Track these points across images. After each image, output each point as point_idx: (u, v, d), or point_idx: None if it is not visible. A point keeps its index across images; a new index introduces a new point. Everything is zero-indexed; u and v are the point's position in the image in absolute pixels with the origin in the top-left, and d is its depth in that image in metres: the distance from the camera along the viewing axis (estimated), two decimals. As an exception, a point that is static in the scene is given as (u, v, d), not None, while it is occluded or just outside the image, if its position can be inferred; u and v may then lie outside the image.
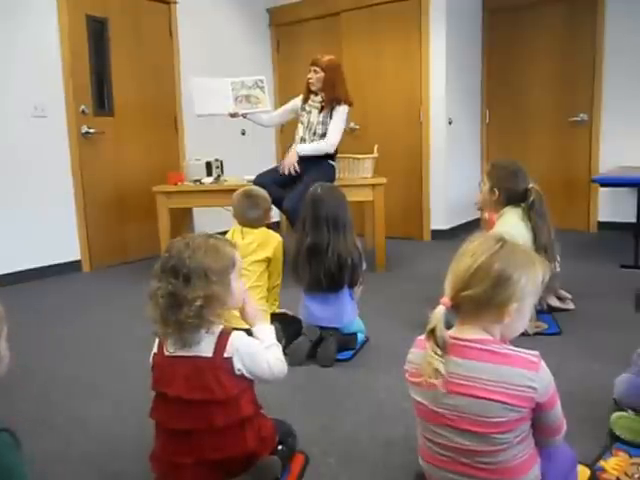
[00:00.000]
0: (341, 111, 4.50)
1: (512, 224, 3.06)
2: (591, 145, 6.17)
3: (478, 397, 1.41)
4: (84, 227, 5.16)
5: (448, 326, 1.51)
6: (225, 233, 2.99)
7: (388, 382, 2.54)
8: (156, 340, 1.73)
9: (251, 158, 6.07)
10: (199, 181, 4.82)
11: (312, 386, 2.61)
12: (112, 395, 2.57)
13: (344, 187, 4.38)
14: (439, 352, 1.45)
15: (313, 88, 4.53)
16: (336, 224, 2.90)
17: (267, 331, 1.83)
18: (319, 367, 2.79)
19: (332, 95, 4.45)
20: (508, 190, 3.19)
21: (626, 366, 2.16)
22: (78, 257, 5.15)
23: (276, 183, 4.43)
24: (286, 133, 6.44)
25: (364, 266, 3.03)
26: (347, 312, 2.98)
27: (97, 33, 5.20)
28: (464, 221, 6.29)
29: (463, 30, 6.25)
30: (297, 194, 4.14)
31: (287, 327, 2.98)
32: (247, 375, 1.67)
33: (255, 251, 3.07)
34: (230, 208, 3.32)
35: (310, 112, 4.58)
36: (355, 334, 3.01)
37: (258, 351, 1.70)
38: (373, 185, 4.70)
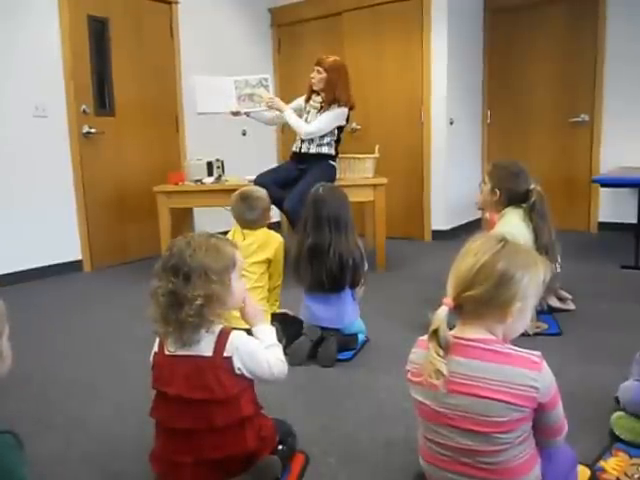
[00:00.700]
0: (336, 111, 4.47)
1: (513, 224, 3.06)
2: (592, 146, 6.17)
3: (480, 396, 1.41)
4: (85, 227, 5.16)
5: (449, 327, 1.52)
6: (226, 233, 2.99)
7: (388, 382, 2.54)
8: (157, 339, 1.73)
9: (252, 158, 6.06)
10: (200, 181, 4.83)
11: (312, 386, 2.61)
12: (112, 395, 2.57)
13: (345, 187, 4.38)
14: (441, 353, 1.45)
15: (315, 88, 4.52)
16: (338, 224, 2.90)
17: (267, 331, 1.83)
18: (320, 367, 2.79)
19: (332, 96, 4.43)
20: (509, 191, 3.19)
21: (627, 366, 2.15)
22: (79, 257, 5.15)
23: (276, 183, 4.42)
24: (287, 133, 6.44)
25: (366, 266, 3.03)
26: (348, 313, 2.98)
27: (98, 33, 5.20)
28: (465, 221, 6.29)
29: (464, 30, 6.25)
30: (297, 194, 4.14)
31: (288, 327, 2.98)
32: (247, 374, 1.67)
33: (255, 252, 3.07)
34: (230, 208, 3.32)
35: (309, 112, 4.58)
36: (356, 334, 3.01)
37: (258, 350, 1.70)
38: (374, 185, 4.70)
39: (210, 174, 4.89)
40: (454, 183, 6.18)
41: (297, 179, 4.40)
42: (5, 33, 4.53)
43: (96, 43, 5.19)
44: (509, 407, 1.39)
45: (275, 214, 6.16)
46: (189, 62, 5.90)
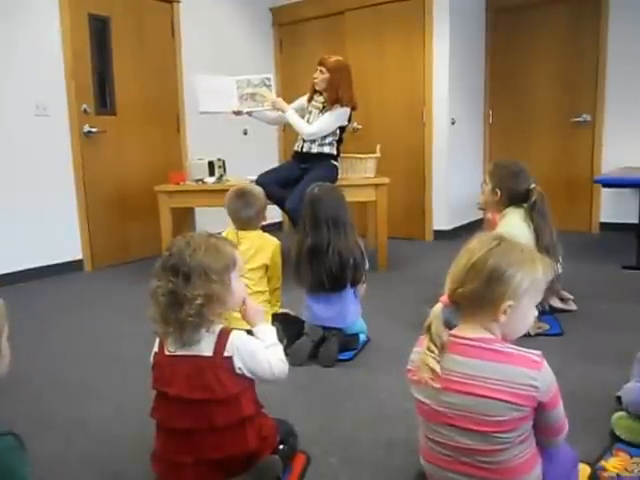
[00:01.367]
0: (338, 111, 4.46)
1: (514, 225, 3.06)
2: (594, 146, 6.16)
3: (480, 395, 1.41)
4: (86, 226, 5.16)
5: (450, 326, 1.52)
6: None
7: (389, 382, 2.54)
8: (157, 339, 1.73)
9: (253, 158, 6.06)
10: (201, 180, 4.82)
11: (313, 386, 2.61)
12: (112, 395, 2.56)
13: (346, 187, 4.40)
14: (434, 350, 1.46)
15: (317, 88, 4.51)
16: (336, 223, 2.89)
17: (268, 331, 1.82)
18: (320, 367, 2.79)
19: (334, 96, 4.42)
20: (510, 190, 3.19)
21: (628, 366, 2.15)
22: (80, 256, 5.15)
23: (278, 183, 4.43)
24: (288, 133, 6.43)
25: (367, 265, 3.03)
26: (350, 311, 2.98)
27: (99, 32, 5.20)
28: (466, 221, 6.29)
29: (466, 30, 6.25)
30: (299, 194, 4.13)
31: (289, 327, 2.98)
32: (247, 374, 1.67)
33: (252, 257, 3.03)
34: None
35: (311, 112, 4.58)
36: (357, 334, 3.01)
37: (258, 350, 1.70)
38: (376, 185, 4.70)
39: (211, 174, 4.88)
40: (456, 183, 6.18)
41: (299, 179, 4.39)
42: (6, 32, 4.53)
43: (97, 42, 5.19)
44: (509, 406, 1.39)
45: (277, 214, 6.21)
46: (190, 61, 5.90)
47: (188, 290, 1.60)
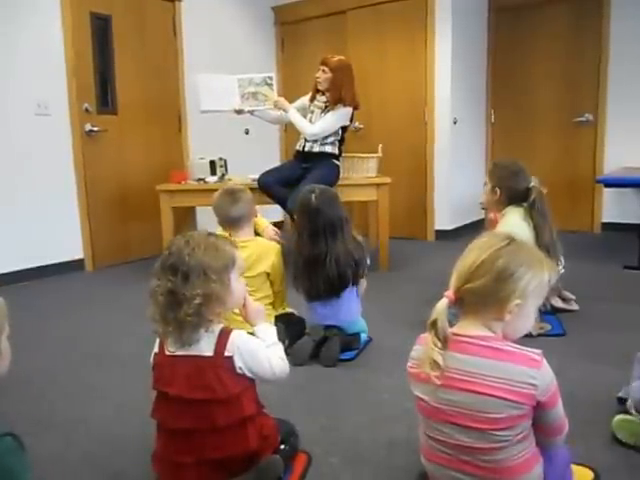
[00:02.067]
0: (340, 111, 4.45)
1: (514, 224, 3.06)
2: (596, 146, 6.16)
3: (478, 393, 1.42)
4: (87, 226, 5.15)
5: (450, 324, 1.52)
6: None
7: (390, 382, 2.53)
8: (157, 339, 1.73)
9: (255, 157, 6.06)
10: (203, 180, 4.82)
11: (315, 386, 2.60)
12: (113, 395, 2.56)
13: (348, 187, 4.40)
14: (439, 344, 1.46)
15: (320, 87, 4.51)
16: (333, 230, 2.88)
17: (268, 331, 1.82)
18: (322, 367, 2.79)
19: (337, 96, 4.41)
20: (509, 189, 3.20)
21: (630, 366, 2.14)
22: (81, 256, 5.15)
23: (280, 182, 4.42)
24: (290, 132, 6.43)
25: (368, 261, 3.02)
26: (351, 309, 2.99)
27: (101, 31, 5.20)
28: (468, 221, 6.29)
29: (469, 30, 6.24)
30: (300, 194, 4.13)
31: (291, 327, 2.98)
32: (248, 374, 1.67)
33: (253, 265, 2.96)
34: None
35: (313, 112, 4.57)
36: (358, 334, 3.00)
37: (259, 349, 1.70)
38: (377, 185, 4.70)
39: (213, 173, 4.88)
40: (457, 183, 6.18)
41: (300, 178, 4.38)
42: (7, 30, 4.53)
43: (99, 41, 5.19)
44: (507, 404, 1.40)
45: (278, 214, 6.21)
46: (192, 60, 5.90)
47: (187, 289, 1.59)
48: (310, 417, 2.25)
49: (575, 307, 3.49)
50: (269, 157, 6.51)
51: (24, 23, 4.62)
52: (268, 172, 4.53)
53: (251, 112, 4.71)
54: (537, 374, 1.40)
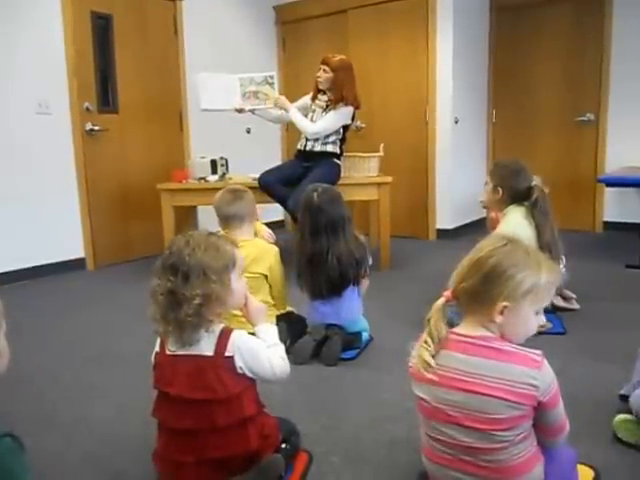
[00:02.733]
0: (342, 110, 4.45)
1: (515, 223, 3.06)
2: (597, 145, 6.15)
3: (479, 393, 1.41)
4: (88, 225, 5.15)
5: (452, 324, 1.52)
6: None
7: (391, 381, 2.53)
8: (158, 339, 1.73)
9: (256, 156, 6.06)
10: (204, 179, 4.82)
11: (316, 385, 2.60)
12: (114, 394, 2.56)
13: (349, 186, 4.40)
14: (430, 343, 1.46)
15: (321, 87, 4.51)
16: (335, 229, 2.89)
17: (270, 331, 1.81)
18: (323, 366, 2.79)
19: (339, 96, 4.41)
20: (511, 189, 3.20)
21: (631, 365, 2.14)
22: (82, 255, 5.15)
23: (281, 181, 4.42)
24: (291, 131, 6.43)
25: (370, 260, 3.02)
26: (352, 308, 2.99)
27: (102, 30, 5.19)
28: (469, 220, 6.29)
29: (470, 29, 6.23)
30: (301, 193, 4.12)
31: (292, 326, 2.97)
32: (249, 374, 1.66)
33: (249, 266, 2.83)
34: None
35: (314, 111, 4.57)
36: (359, 333, 3.00)
37: (259, 349, 1.69)
38: (378, 184, 4.70)
39: (214, 172, 4.88)
40: (459, 182, 6.17)
41: (301, 177, 4.38)
42: (8, 29, 4.53)
43: (99, 40, 5.18)
44: (508, 405, 1.39)
45: (279, 213, 6.21)
46: (193, 59, 5.90)
47: (187, 290, 1.59)
48: (311, 416, 2.25)
49: (576, 306, 3.49)
50: (270, 156, 6.50)
51: (25, 22, 4.62)
52: (269, 171, 4.53)
53: (252, 111, 4.70)
54: (538, 375, 1.40)
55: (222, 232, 2.88)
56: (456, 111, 6.06)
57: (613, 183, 5.00)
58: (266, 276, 2.97)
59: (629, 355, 2.25)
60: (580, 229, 6.10)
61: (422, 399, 1.53)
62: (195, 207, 5.43)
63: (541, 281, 1.45)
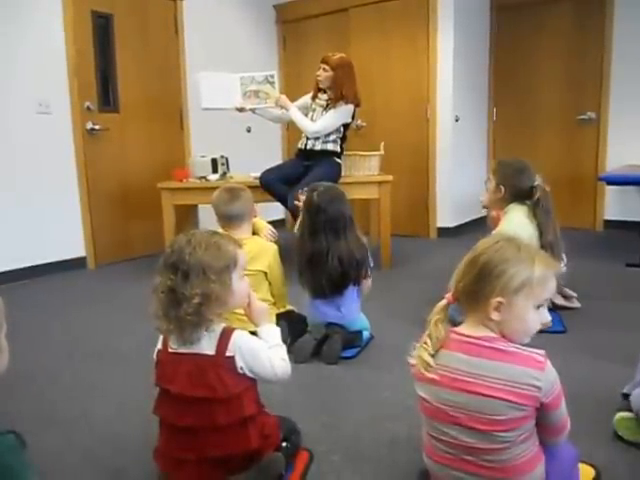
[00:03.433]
0: (342, 109, 4.46)
1: (517, 222, 3.06)
2: (598, 143, 6.14)
3: (481, 394, 1.41)
4: (89, 224, 5.16)
5: (455, 323, 1.52)
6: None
7: (392, 380, 2.54)
8: (160, 336, 1.73)
9: (257, 155, 6.06)
10: (204, 178, 4.82)
11: (316, 384, 2.61)
12: (115, 393, 2.57)
13: (350, 184, 4.39)
14: (429, 343, 1.47)
15: (321, 85, 4.51)
16: (335, 228, 2.88)
17: (272, 331, 1.81)
18: (324, 365, 2.79)
19: (338, 94, 4.42)
20: (513, 187, 3.19)
21: (631, 364, 2.14)
22: (83, 254, 5.15)
23: (281, 180, 4.43)
24: (292, 130, 6.43)
25: (371, 262, 3.02)
26: (353, 307, 2.99)
27: (102, 29, 5.19)
28: (470, 219, 6.29)
29: (471, 28, 6.23)
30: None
31: (292, 325, 2.98)
32: (249, 374, 1.66)
33: (249, 263, 2.93)
34: None
35: (315, 110, 4.57)
36: (360, 332, 3.00)
37: (260, 350, 1.69)
38: (379, 182, 4.70)
39: (215, 171, 4.88)
40: (459, 180, 6.17)
41: (302, 176, 4.38)
42: (9, 29, 4.52)
43: (100, 39, 5.18)
44: (510, 405, 1.39)
45: (280, 212, 6.22)
46: (194, 59, 5.90)
47: (186, 289, 1.59)
48: (312, 415, 2.25)
49: (576, 304, 3.49)
50: (271, 155, 6.50)
51: (25, 22, 4.62)
52: (270, 170, 4.54)
53: (253, 110, 4.71)
54: (541, 376, 1.39)
55: (222, 231, 2.91)
56: (457, 110, 6.06)
57: (614, 181, 5.00)
58: (265, 273, 2.97)
59: (629, 354, 2.25)
60: (581, 227, 6.10)
61: (424, 399, 1.53)
62: (196, 206, 5.43)
63: (534, 275, 1.44)
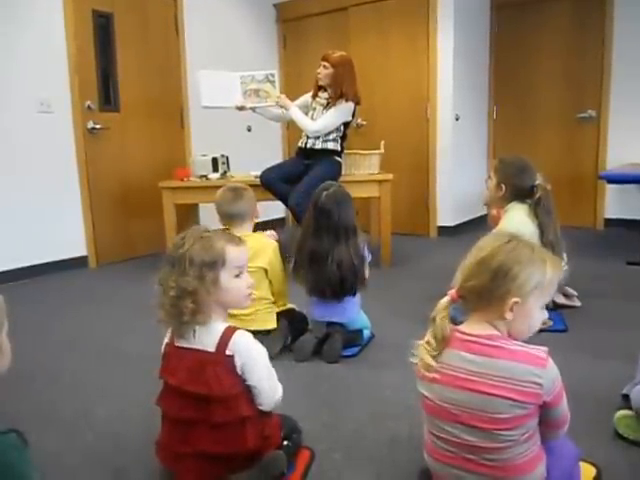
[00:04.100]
0: (342, 107, 4.45)
1: (518, 221, 3.06)
2: (599, 142, 6.14)
3: (484, 393, 1.41)
4: (90, 223, 5.16)
5: (455, 322, 1.52)
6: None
7: (393, 379, 2.54)
8: (169, 330, 1.76)
9: (257, 154, 6.07)
10: (205, 177, 4.82)
11: (317, 382, 2.61)
12: (116, 391, 2.57)
13: (350, 183, 4.39)
14: (433, 343, 1.47)
15: (321, 83, 4.51)
16: (337, 233, 2.86)
17: None
18: (325, 363, 2.79)
19: (339, 92, 4.42)
20: (515, 186, 3.19)
21: (632, 363, 2.14)
22: (84, 253, 5.16)
23: (282, 179, 4.43)
24: (292, 129, 6.43)
25: (370, 257, 3.01)
26: (352, 308, 2.98)
27: (103, 28, 5.19)
28: (470, 217, 6.29)
29: (471, 26, 6.23)
30: (302, 191, 4.13)
31: (293, 324, 2.98)
32: (245, 375, 1.67)
33: (250, 259, 2.91)
34: None
35: (315, 109, 4.57)
36: (361, 330, 3.00)
37: (259, 355, 1.70)
38: (379, 181, 4.70)
39: (215, 170, 4.89)
40: (460, 179, 6.17)
41: (303, 175, 4.39)
42: (9, 28, 4.53)
43: (101, 38, 5.18)
44: (512, 404, 1.39)
45: (280, 210, 6.22)
46: (194, 57, 5.90)
47: (168, 280, 1.63)
48: (312, 413, 2.25)
49: (577, 303, 3.49)
50: (271, 154, 6.50)
51: (26, 21, 4.62)
52: (270, 169, 4.54)
53: (253, 109, 4.70)
54: (542, 373, 1.40)
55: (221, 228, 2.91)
56: (457, 108, 6.06)
57: (614, 180, 5.00)
58: (266, 271, 2.96)
59: (630, 352, 2.25)
60: (581, 226, 6.10)
61: (426, 397, 1.53)
62: (197, 205, 5.43)
63: (546, 277, 1.47)
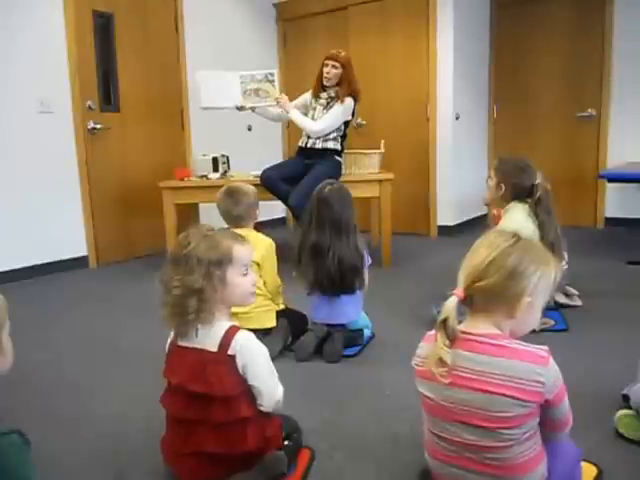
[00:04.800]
0: (343, 106, 4.46)
1: (519, 221, 3.05)
2: (599, 141, 6.14)
3: (487, 392, 1.41)
4: (91, 223, 5.16)
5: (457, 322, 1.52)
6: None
7: (394, 378, 2.53)
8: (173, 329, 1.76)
9: (257, 154, 6.07)
10: (205, 176, 4.83)
11: (318, 382, 2.61)
12: (117, 391, 2.57)
13: (351, 182, 4.39)
14: (447, 343, 1.46)
15: (328, 83, 4.50)
16: (338, 228, 2.87)
17: None
18: (325, 363, 2.79)
19: (348, 91, 4.43)
20: (515, 186, 3.18)
21: (633, 362, 2.14)
22: (84, 253, 5.16)
23: (283, 179, 4.42)
24: (292, 129, 6.43)
25: (370, 261, 3.01)
26: (352, 309, 2.97)
27: (103, 28, 5.20)
28: (471, 217, 6.29)
29: (471, 25, 6.23)
30: (302, 190, 4.13)
31: (293, 323, 2.98)
32: (246, 375, 1.67)
33: None
34: None
35: (315, 108, 4.57)
36: (361, 330, 3.00)
37: (260, 354, 1.70)
38: (380, 181, 4.69)
39: (215, 170, 4.89)
40: (460, 178, 6.17)
41: (303, 174, 4.39)
42: (9, 28, 4.53)
43: (101, 38, 5.19)
44: (515, 402, 1.39)
45: (280, 210, 6.22)
46: (194, 57, 5.90)
47: (171, 278, 1.63)
48: (313, 413, 2.25)
49: (578, 303, 3.49)
50: (271, 154, 6.50)
51: (26, 21, 4.62)
52: (271, 168, 4.53)
53: (253, 109, 4.70)
54: (543, 371, 1.40)
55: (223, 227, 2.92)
56: (457, 107, 6.05)
57: (614, 179, 4.99)
58: (258, 265, 2.92)
59: (631, 352, 2.25)
60: (581, 225, 6.10)
61: (427, 397, 1.53)
62: (197, 204, 5.43)
63: (553, 276, 1.49)
